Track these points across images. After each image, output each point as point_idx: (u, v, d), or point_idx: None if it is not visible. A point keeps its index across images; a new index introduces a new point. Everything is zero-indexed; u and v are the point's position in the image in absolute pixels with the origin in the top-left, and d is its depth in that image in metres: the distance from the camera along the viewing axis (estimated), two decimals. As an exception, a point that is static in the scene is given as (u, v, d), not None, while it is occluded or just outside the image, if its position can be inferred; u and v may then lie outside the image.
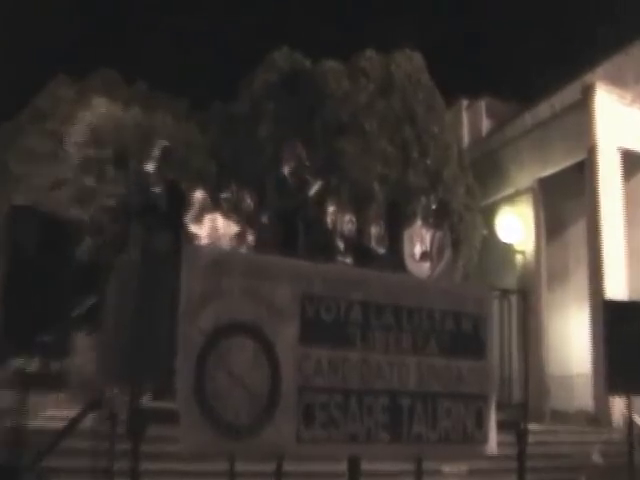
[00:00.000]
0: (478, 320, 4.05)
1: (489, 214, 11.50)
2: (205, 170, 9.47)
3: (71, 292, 3.27)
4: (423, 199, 5.63)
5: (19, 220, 3.13)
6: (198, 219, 5.12)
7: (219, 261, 3.39)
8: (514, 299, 4.24)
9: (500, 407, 4.00)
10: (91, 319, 4.06)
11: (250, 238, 5.33)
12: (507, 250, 11.79)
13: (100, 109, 10.85)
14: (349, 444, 3.49)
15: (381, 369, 3.67)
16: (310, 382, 3.44)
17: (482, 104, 14.47)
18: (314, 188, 5.04)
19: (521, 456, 3.99)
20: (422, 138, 10.16)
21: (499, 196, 12.33)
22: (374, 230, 5.77)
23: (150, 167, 4.33)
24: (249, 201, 5.68)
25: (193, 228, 5.06)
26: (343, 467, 3.78)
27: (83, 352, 4.83)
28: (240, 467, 4.43)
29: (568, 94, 11.53)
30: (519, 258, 11.87)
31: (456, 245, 8.64)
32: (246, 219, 5.44)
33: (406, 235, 5.47)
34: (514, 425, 4.06)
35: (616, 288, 9.73)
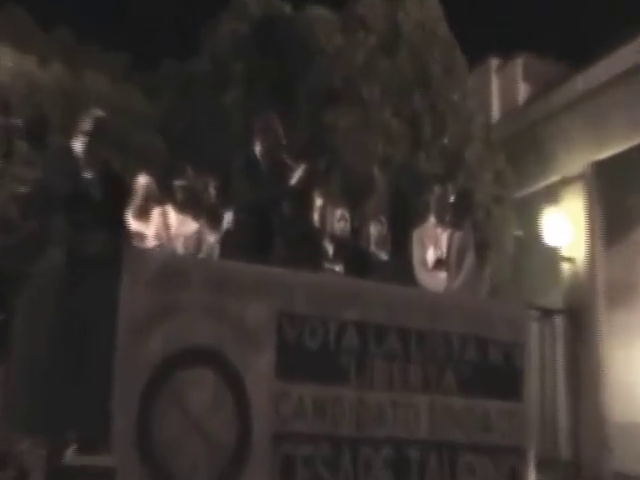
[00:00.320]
0: (511, 348, 4.17)
1: (526, 209, 11.59)
2: (152, 148, 9.46)
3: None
4: (438, 189, 5.73)
5: None
6: (143, 213, 5.16)
7: (171, 269, 3.47)
8: (560, 321, 4.31)
9: (542, 465, 4.10)
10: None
11: (212, 239, 5.38)
12: (551, 256, 11.84)
13: (5, 62, 10.60)
14: (340, 511, 3.58)
15: (383, 411, 3.75)
16: (289, 427, 3.50)
17: (518, 64, 14.51)
18: (296, 174, 5.10)
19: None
20: (437, 108, 10.23)
21: (540, 185, 12.40)
22: (374, 229, 5.89)
23: (78, 143, 4.35)
24: (211, 190, 5.73)
25: (137, 225, 5.10)
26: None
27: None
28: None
29: (634, 52, 11.55)
30: (567, 267, 11.91)
31: (482, 249, 8.74)
32: (207, 214, 5.49)
33: (416, 236, 5.57)
34: (561, 490, 4.22)
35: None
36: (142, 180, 5.37)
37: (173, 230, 5.18)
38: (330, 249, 5.66)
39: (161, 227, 5.15)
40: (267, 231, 4.87)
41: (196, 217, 5.37)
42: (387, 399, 3.77)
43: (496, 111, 14.23)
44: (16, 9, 11.73)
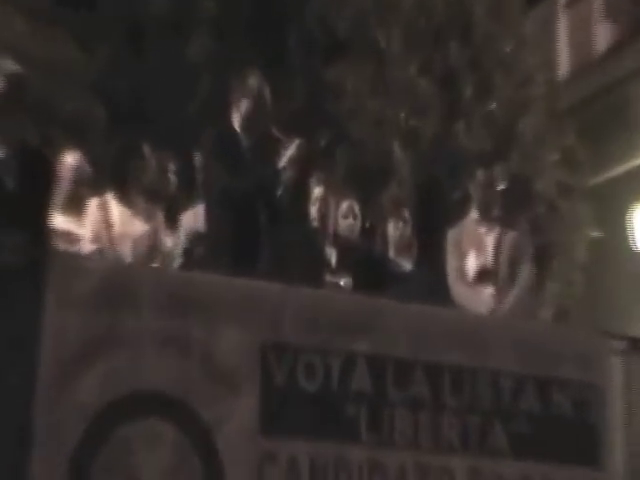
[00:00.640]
0: (584, 392, 4.19)
1: (605, 201, 11.60)
2: (87, 117, 9.47)
3: None
4: (482, 174, 5.77)
5: None
6: (75, 206, 5.18)
7: (115, 284, 3.49)
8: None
9: None
10: None
11: (172, 242, 5.40)
12: (640, 266, 11.86)
13: None
14: None
15: (405, 478, 3.74)
16: (278, 501, 3.51)
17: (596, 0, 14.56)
18: (287, 153, 5.15)
19: None
20: (481, 63, 10.29)
21: (623, 169, 12.44)
22: (393, 229, 5.90)
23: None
24: (170, 176, 5.75)
25: (65, 223, 5.12)
26: None
27: None
28: None
29: None
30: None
31: (544, 256, 8.77)
32: (166, 207, 5.51)
33: (451, 238, 5.62)
34: None
35: None
36: (72, 160, 5.39)
37: (117, 229, 5.19)
38: (333, 255, 5.70)
39: (100, 225, 5.16)
40: (249, 232, 4.90)
41: (149, 212, 5.39)
42: (411, 461, 3.78)
43: (564, 66, 14.24)
44: None
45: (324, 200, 5.72)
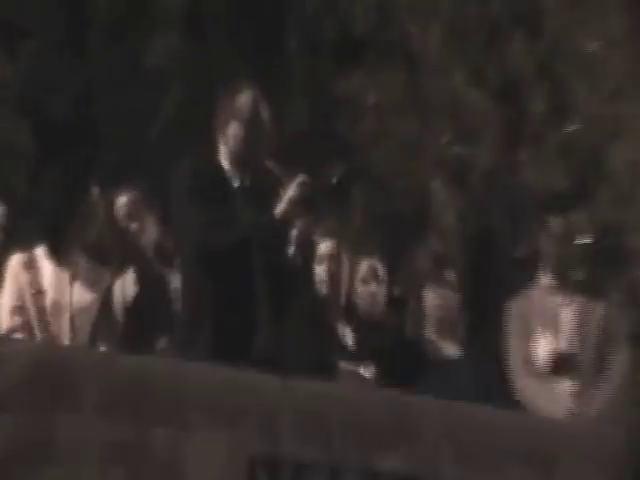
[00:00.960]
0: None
1: None
2: (9, 144, 9.54)
3: None
4: (556, 222, 5.76)
5: None
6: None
7: (48, 373, 3.55)
8: None
9: None
10: None
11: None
12: None
13: None
14: None
15: None
16: None
17: None
18: (287, 194, 5.14)
19: None
20: (554, 68, 10.36)
21: None
22: (431, 299, 5.87)
23: None
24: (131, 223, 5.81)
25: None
26: None
27: None
28: None
29: None
30: None
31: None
32: (118, 268, 5.54)
33: (513, 312, 5.61)
34: None
35: None
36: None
37: (50, 297, 5.21)
38: (348, 333, 5.76)
39: (26, 290, 5.18)
40: (235, 302, 4.92)
41: (95, 274, 5.40)
42: None
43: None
44: None
45: (335, 257, 5.76)
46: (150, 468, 3.54)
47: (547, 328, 5.50)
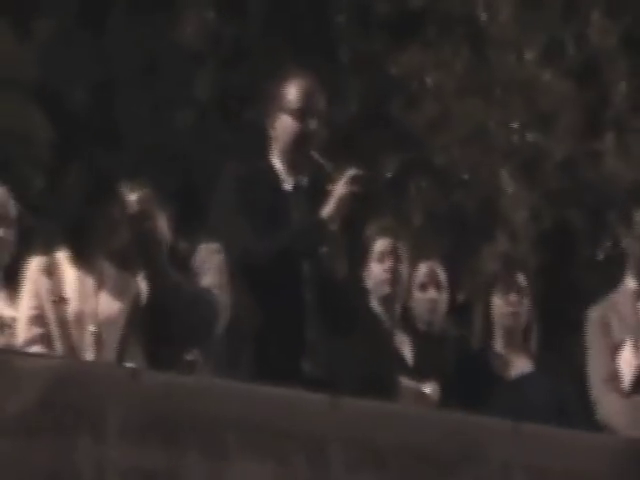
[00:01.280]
0: None
1: None
2: (25, 136, 9.57)
3: None
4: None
5: None
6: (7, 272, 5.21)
7: (69, 392, 3.65)
8: None
9: None
10: None
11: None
12: None
13: None
14: None
15: None
16: None
17: None
18: (337, 191, 5.05)
19: None
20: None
21: None
22: (501, 306, 5.81)
23: None
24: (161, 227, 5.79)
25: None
26: None
27: None
28: None
29: None
30: None
31: None
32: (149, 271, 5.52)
33: (594, 320, 5.60)
34: None
35: None
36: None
37: (73, 306, 5.20)
38: (407, 347, 5.66)
39: (46, 298, 5.17)
40: (283, 313, 4.87)
41: (123, 282, 5.37)
42: None
43: None
44: None
45: (393, 261, 5.67)
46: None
47: (634, 340, 5.42)
